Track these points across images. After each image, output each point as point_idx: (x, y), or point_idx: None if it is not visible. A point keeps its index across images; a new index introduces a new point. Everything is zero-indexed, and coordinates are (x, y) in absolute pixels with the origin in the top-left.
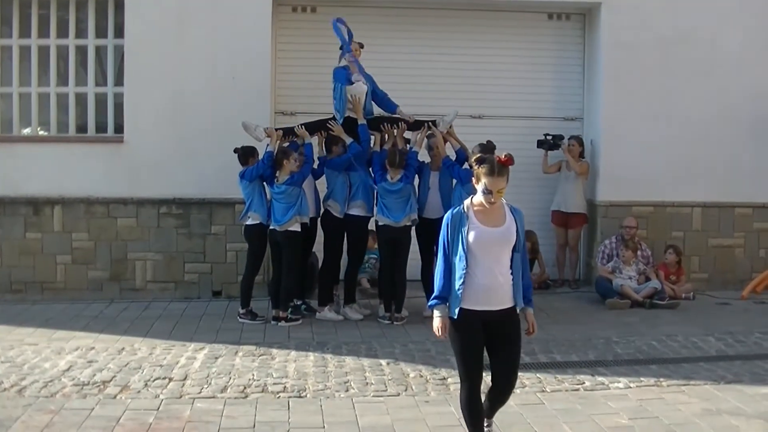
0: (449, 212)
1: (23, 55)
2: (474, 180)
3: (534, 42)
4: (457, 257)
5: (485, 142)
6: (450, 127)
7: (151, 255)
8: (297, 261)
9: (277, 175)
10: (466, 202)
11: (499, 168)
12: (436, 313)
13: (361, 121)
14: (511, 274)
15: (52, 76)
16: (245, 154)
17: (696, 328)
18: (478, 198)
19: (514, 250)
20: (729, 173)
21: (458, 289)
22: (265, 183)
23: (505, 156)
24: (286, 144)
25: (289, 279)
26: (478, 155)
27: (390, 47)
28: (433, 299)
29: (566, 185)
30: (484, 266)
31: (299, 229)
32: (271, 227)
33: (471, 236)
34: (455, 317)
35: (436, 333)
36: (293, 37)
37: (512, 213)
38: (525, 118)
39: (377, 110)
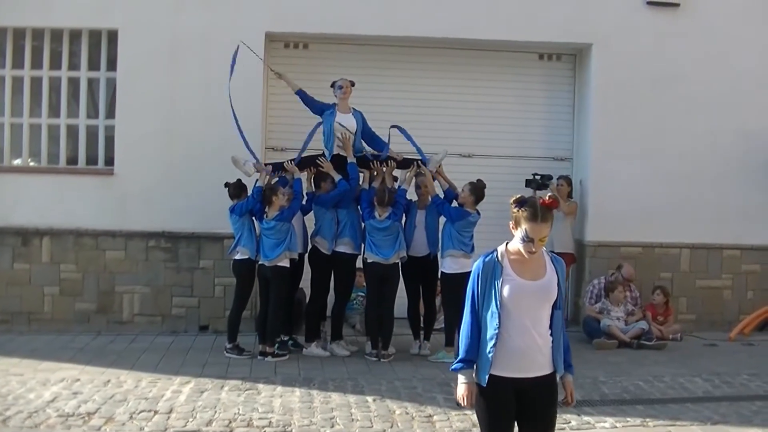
0: (480, 260)
1: (16, 85)
2: (512, 224)
3: (524, 82)
4: (489, 314)
5: (476, 181)
6: (439, 166)
7: (138, 288)
8: (285, 296)
9: (266, 210)
10: (500, 248)
11: (543, 212)
12: (461, 379)
13: (351, 159)
14: (551, 334)
15: (44, 108)
16: (235, 188)
17: (683, 368)
18: (515, 245)
19: (554, 306)
20: (717, 214)
21: (489, 352)
22: (254, 218)
23: (550, 198)
24: (275, 179)
25: (277, 314)
26: (518, 196)
27: (380, 85)
28: (457, 362)
29: (554, 225)
30: (520, 325)
31: (288, 265)
32: (260, 262)
33: (506, 290)
34: (484, 384)
35: (461, 402)
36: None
37: (553, 263)
38: (514, 158)
39: (367, 148)
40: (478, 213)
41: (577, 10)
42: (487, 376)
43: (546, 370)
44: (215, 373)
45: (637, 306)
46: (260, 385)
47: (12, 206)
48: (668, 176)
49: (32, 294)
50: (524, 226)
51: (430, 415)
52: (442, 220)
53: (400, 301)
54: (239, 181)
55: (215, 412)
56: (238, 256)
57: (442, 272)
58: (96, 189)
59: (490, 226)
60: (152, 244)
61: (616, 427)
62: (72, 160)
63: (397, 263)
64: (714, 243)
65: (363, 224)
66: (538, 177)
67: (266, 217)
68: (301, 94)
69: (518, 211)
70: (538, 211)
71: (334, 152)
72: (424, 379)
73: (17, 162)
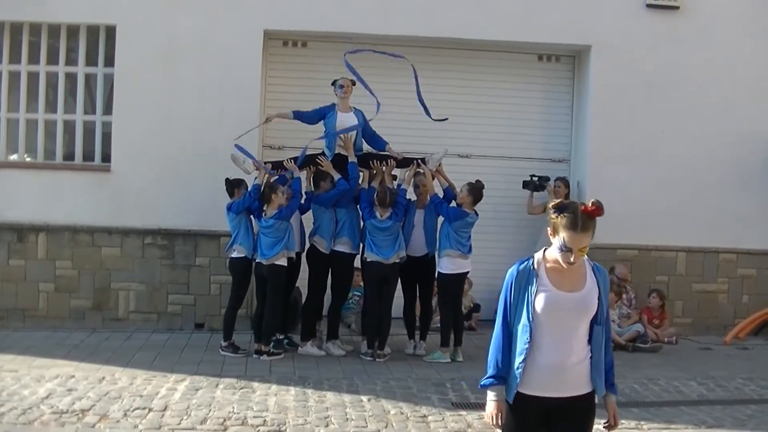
0: (514, 267)
1: (12, 81)
2: (549, 231)
3: (523, 83)
4: (520, 326)
5: (474, 182)
6: (439, 165)
7: (134, 285)
8: (281, 295)
9: (264, 209)
10: (537, 255)
11: (584, 220)
12: (490, 396)
13: (352, 158)
14: (590, 351)
15: (40, 103)
16: (233, 185)
17: (678, 372)
18: (553, 253)
19: (594, 321)
20: (714, 218)
21: (517, 368)
22: (252, 216)
23: (593, 204)
24: (274, 178)
25: (273, 313)
26: (558, 201)
27: (379, 84)
28: (487, 378)
29: None
30: (553, 340)
31: (285, 264)
32: (257, 260)
33: (539, 302)
34: (510, 401)
35: (490, 422)
36: (283, 71)
37: (595, 274)
38: (512, 159)
39: (366, 147)
40: (476, 214)
41: (576, 11)
42: (514, 394)
43: (582, 389)
44: (210, 371)
45: (633, 308)
46: (255, 384)
47: (8, 202)
48: (665, 179)
49: (27, 290)
50: (563, 234)
51: (425, 416)
52: (441, 219)
53: (396, 301)
54: (237, 178)
55: (210, 410)
56: (234, 255)
57: (438, 272)
58: (92, 185)
59: (487, 227)
60: (148, 241)
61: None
62: (69, 156)
63: (397, 263)
64: (710, 247)
65: (362, 223)
66: (535, 178)
67: (264, 215)
68: (297, 115)
69: (557, 217)
70: (578, 219)
71: (336, 151)
72: (419, 380)
73: (13, 157)
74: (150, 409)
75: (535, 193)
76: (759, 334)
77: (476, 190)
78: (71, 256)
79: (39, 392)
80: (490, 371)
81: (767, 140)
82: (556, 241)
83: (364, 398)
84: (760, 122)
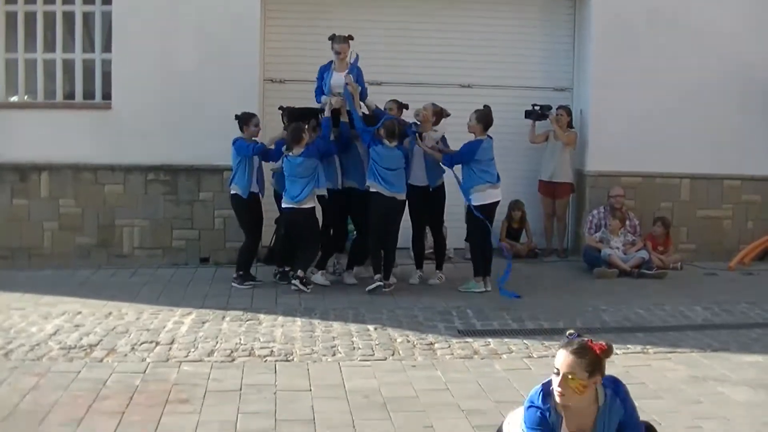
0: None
1: (9, 21)
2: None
3: (525, 11)
4: None
5: (482, 107)
6: (436, 143)
7: (138, 222)
8: (317, 233)
9: (291, 149)
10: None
11: (582, 346)
12: None
13: (358, 112)
14: None
15: (39, 43)
16: (242, 121)
17: (683, 297)
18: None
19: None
20: (718, 145)
21: None
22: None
23: (602, 345)
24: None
25: (312, 250)
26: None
27: (379, 16)
28: None
29: (553, 155)
30: None
31: (314, 205)
32: (286, 206)
33: None
34: None
35: None
36: (282, 5)
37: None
38: (514, 88)
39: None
40: (490, 137)
41: None
42: None
43: None
44: (216, 305)
45: (637, 235)
46: (261, 316)
47: (9, 142)
48: (669, 106)
49: (32, 230)
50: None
51: (432, 343)
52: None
53: (404, 232)
54: (248, 112)
55: (217, 342)
56: (232, 191)
57: (469, 205)
58: (94, 123)
59: (496, 158)
60: (151, 177)
61: (617, 354)
62: (69, 95)
63: (404, 199)
64: (714, 173)
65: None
66: (537, 107)
67: (292, 153)
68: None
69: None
70: (576, 343)
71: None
72: (425, 308)
73: (14, 98)
74: (157, 343)
75: (537, 122)
76: (764, 259)
77: (485, 116)
78: (74, 194)
79: (46, 329)
80: None
81: None
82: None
83: (371, 327)
84: (764, 48)
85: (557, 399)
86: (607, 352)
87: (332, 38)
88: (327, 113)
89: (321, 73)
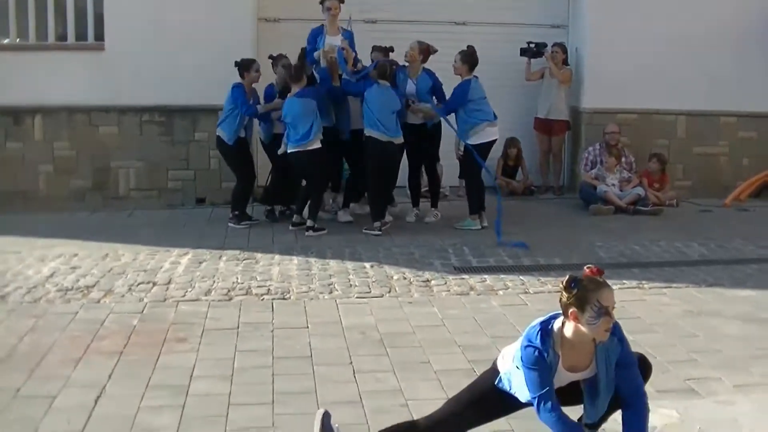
0: (540, 352)
1: None
2: (572, 313)
3: None
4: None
5: (465, 48)
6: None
7: (133, 163)
8: (326, 174)
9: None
10: (555, 332)
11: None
12: None
13: (346, 75)
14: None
15: None
16: (242, 67)
17: (679, 234)
18: (582, 333)
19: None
20: (714, 81)
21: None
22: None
23: (593, 268)
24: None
25: (319, 193)
26: (565, 281)
27: None
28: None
29: (549, 92)
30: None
31: (321, 146)
32: (292, 150)
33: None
34: None
35: None
36: None
37: (597, 352)
38: (509, 25)
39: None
40: (476, 77)
41: None
42: None
43: None
44: (213, 245)
45: (633, 172)
46: (258, 255)
47: (2, 85)
48: (665, 43)
49: (26, 173)
50: (595, 297)
51: (428, 280)
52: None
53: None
54: (248, 59)
55: (214, 281)
56: (218, 134)
57: (466, 144)
58: (87, 65)
59: (492, 96)
60: (146, 118)
61: (613, 289)
62: (61, 36)
63: (402, 141)
64: (710, 110)
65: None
66: (532, 45)
67: (290, 93)
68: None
69: (576, 291)
70: (598, 277)
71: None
72: (421, 246)
73: (5, 41)
74: (154, 283)
75: (532, 60)
76: (759, 196)
77: (469, 56)
78: (69, 136)
79: (43, 271)
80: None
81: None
82: (589, 314)
83: (367, 265)
84: None
85: (605, 338)
86: (600, 270)
87: (323, 2)
88: (323, 64)
89: (313, 37)
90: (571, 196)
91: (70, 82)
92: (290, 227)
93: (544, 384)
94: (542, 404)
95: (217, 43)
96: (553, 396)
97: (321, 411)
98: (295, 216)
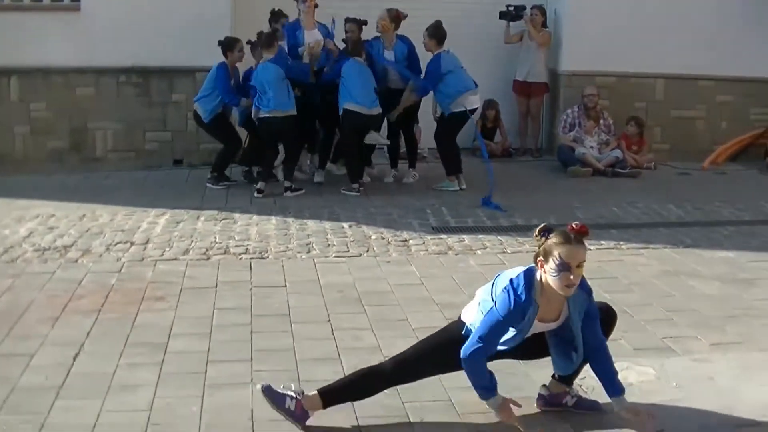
0: (524, 302)
1: None
2: (539, 261)
3: None
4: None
5: (434, 23)
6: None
7: (110, 124)
8: (298, 138)
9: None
10: (536, 282)
11: (575, 234)
12: (493, 405)
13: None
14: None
15: None
16: (226, 46)
17: (656, 196)
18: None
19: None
20: (692, 45)
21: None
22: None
23: (578, 225)
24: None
25: (295, 156)
26: (541, 227)
27: None
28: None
29: (528, 55)
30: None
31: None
32: (265, 115)
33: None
34: None
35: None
36: None
37: (570, 303)
38: None
39: None
40: (447, 51)
41: None
42: None
43: None
44: (191, 205)
45: (611, 135)
46: (236, 215)
47: None
48: (643, 6)
49: (2, 135)
50: (557, 252)
51: (406, 240)
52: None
53: None
54: (232, 37)
55: (192, 241)
56: (195, 108)
57: (442, 113)
58: (63, 26)
59: (465, 59)
60: (123, 79)
61: (590, 249)
62: None
63: (380, 111)
64: (689, 73)
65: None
66: (511, 8)
67: (262, 60)
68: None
69: (544, 239)
70: (570, 233)
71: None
72: (399, 206)
73: None
74: (132, 243)
75: (511, 23)
76: (736, 159)
77: (437, 29)
78: (45, 98)
79: (20, 232)
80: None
81: None
82: (551, 266)
83: (345, 225)
84: None
85: (566, 293)
86: (586, 228)
87: None
88: (306, 60)
89: (291, 32)
90: (550, 158)
91: (46, 43)
92: (255, 194)
93: (495, 339)
94: (480, 351)
95: (194, 4)
96: (492, 353)
97: (258, 387)
98: (259, 183)
